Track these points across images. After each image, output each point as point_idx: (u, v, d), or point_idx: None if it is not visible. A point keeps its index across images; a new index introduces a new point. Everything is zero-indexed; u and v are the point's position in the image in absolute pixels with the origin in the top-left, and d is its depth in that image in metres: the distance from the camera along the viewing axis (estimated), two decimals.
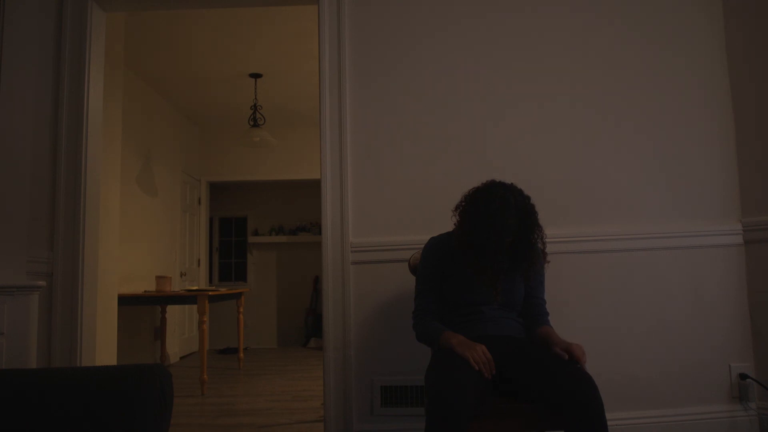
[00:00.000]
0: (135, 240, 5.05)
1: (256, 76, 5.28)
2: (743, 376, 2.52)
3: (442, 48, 2.67)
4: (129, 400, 1.42)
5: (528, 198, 1.94)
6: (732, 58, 2.68)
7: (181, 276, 6.23)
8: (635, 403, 2.48)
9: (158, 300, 4.67)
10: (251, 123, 5.47)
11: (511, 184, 1.96)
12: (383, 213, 2.59)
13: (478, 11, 2.69)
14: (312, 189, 6.64)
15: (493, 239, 1.86)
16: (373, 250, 2.56)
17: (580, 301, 2.53)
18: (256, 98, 5.48)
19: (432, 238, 2.11)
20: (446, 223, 2.10)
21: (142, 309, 5.26)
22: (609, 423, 1.63)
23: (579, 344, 1.80)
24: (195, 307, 6.10)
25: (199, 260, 6.90)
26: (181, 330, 6.22)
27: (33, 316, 2.25)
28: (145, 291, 4.96)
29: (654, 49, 2.68)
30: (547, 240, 2.01)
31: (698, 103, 2.66)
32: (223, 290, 4.81)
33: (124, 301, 4.31)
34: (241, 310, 5.38)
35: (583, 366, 1.74)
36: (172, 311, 5.78)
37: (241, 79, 5.35)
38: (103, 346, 3.51)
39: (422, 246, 2.13)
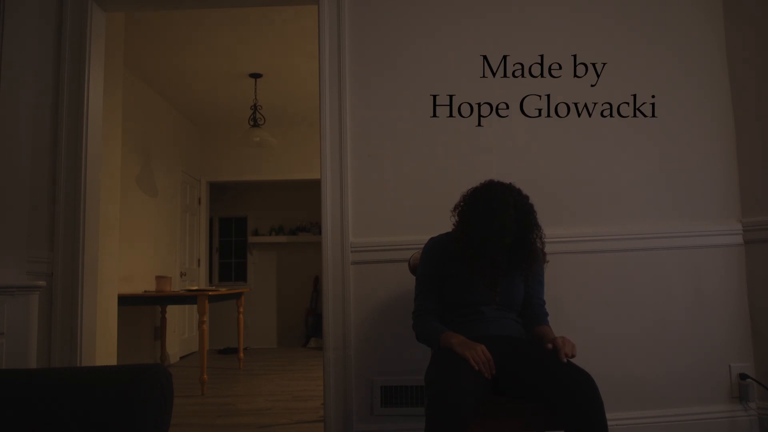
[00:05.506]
0: (135, 240, 5.05)
1: (256, 76, 5.28)
2: (743, 376, 2.52)
3: (442, 47, 2.67)
4: (129, 400, 1.42)
5: (527, 198, 1.94)
6: (732, 58, 2.68)
7: (181, 276, 6.23)
8: (635, 403, 2.48)
9: (158, 300, 4.67)
10: (251, 123, 5.47)
11: (510, 183, 1.96)
12: (383, 213, 2.59)
13: (477, 11, 2.69)
14: (312, 189, 6.64)
15: (492, 239, 1.86)
16: (373, 250, 2.56)
17: (580, 302, 2.53)
18: (256, 98, 5.48)
19: (431, 239, 2.11)
20: (446, 223, 2.10)
21: (142, 309, 5.25)
22: (609, 423, 1.63)
23: (565, 336, 1.79)
24: (195, 307, 6.10)
25: (199, 260, 6.90)
26: (181, 330, 6.22)
27: (33, 316, 2.25)
28: (145, 291, 4.96)
29: (654, 48, 2.68)
30: (546, 240, 2.01)
31: (698, 103, 2.66)
32: (223, 290, 4.81)
33: (124, 301, 4.31)
34: (241, 310, 5.39)
35: (565, 356, 1.70)
36: (172, 311, 5.78)
37: (241, 79, 5.35)
38: (103, 346, 3.51)
39: (422, 246, 2.13)
